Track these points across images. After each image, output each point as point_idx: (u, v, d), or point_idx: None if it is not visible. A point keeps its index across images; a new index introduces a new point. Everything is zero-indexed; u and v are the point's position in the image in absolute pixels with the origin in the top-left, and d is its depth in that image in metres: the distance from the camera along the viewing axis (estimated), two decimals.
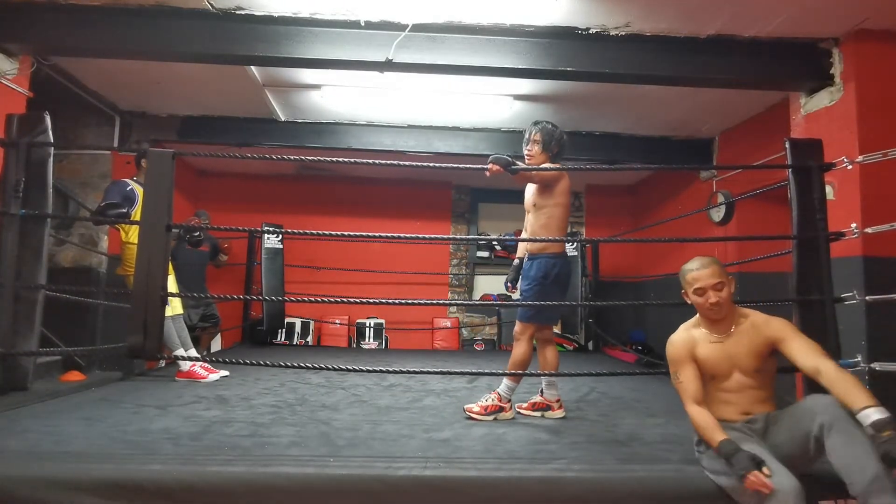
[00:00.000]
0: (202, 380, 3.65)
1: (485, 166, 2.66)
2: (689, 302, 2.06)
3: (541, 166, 2.77)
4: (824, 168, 2.74)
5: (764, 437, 1.86)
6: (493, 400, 2.76)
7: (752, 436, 1.85)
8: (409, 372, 3.17)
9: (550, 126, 2.84)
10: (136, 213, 3.48)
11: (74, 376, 3.97)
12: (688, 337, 2.02)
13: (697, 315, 2.06)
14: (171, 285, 3.69)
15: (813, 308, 2.62)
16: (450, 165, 3.07)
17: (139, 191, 3.59)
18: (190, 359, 3.66)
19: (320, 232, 3.04)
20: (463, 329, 7.02)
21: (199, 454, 2.04)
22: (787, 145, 2.76)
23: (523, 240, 2.95)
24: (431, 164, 3.04)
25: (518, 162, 2.71)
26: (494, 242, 6.87)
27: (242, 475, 1.87)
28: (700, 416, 1.87)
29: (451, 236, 7.65)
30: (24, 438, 2.18)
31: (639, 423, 2.77)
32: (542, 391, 2.90)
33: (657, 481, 1.93)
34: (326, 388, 3.52)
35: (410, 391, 3.48)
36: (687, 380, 1.94)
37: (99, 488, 1.80)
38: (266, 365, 2.57)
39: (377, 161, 2.87)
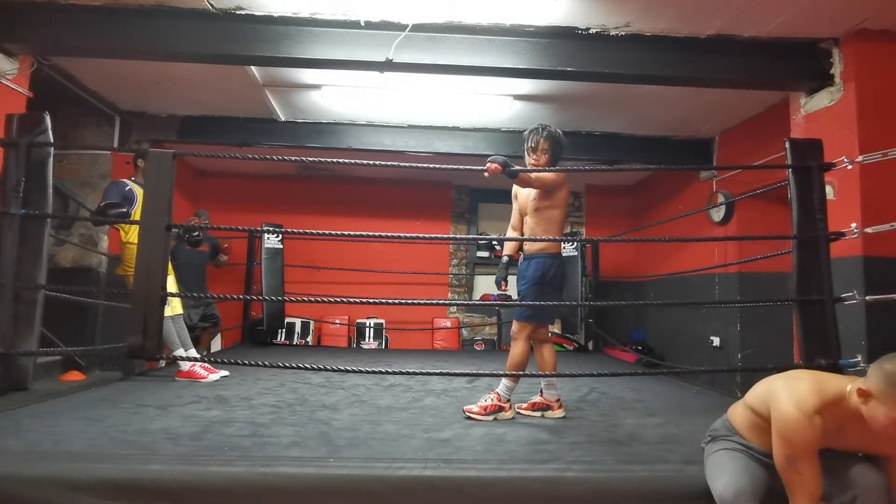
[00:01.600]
0: (202, 380, 3.65)
1: (483, 167, 2.63)
2: (876, 414, 1.52)
3: (541, 169, 2.75)
4: (824, 168, 2.73)
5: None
6: (492, 400, 2.76)
7: (765, 460, 1.74)
8: (409, 372, 3.17)
9: (555, 132, 2.79)
10: (136, 213, 3.48)
11: (74, 376, 3.97)
12: (819, 427, 1.58)
13: (837, 392, 1.60)
14: (171, 285, 3.69)
15: (813, 308, 2.62)
16: (450, 166, 3.07)
17: (138, 191, 3.59)
18: (190, 359, 3.66)
19: (320, 232, 3.04)
20: (463, 329, 7.02)
21: (199, 454, 2.04)
22: (787, 145, 2.75)
23: (521, 239, 2.95)
24: (431, 165, 3.04)
25: (516, 163, 2.68)
26: (494, 242, 6.87)
27: (242, 475, 1.87)
28: None
29: (451, 236, 7.65)
30: (24, 438, 2.18)
31: (639, 423, 2.77)
32: (541, 391, 2.90)
33: (657, 481, 1.93)
34: (326, 388, 3.52)
35: (410, 391, 3.48)
36: (810, 475, 1.57)
37: (99, 488, 1.80)
38: (266, 365, 2.57)
39: (377, 161, 2.87)
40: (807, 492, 1.57)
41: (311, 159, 2.99)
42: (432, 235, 7.02)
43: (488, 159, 2.57)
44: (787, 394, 1.61)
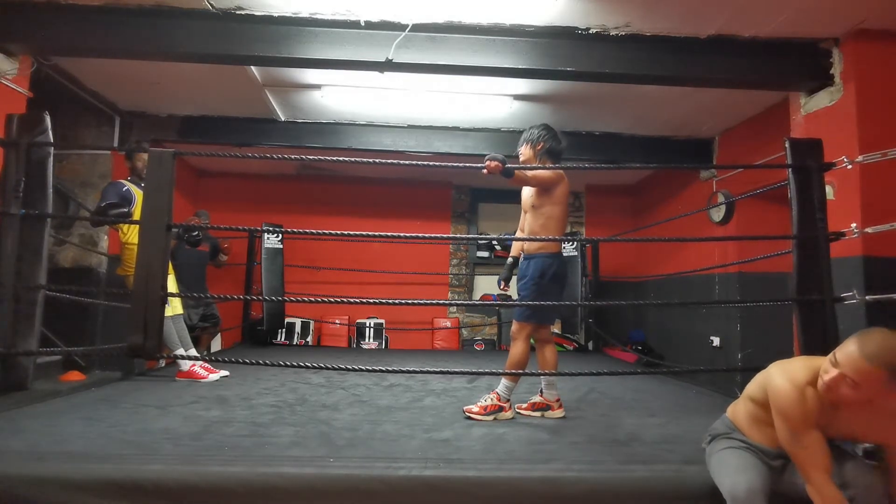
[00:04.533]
0: (202, 380, 3.65)
1: (482, 165, 2.59)
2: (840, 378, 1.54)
3: (537, 167, 2.74)
4: (824, 168, 2.74)
5: (782, 472, 1.75)
6: (492, 400, 2.76)
7: (766, 459, 1.76)
8: (409, 372, 3.16)
9: (541, 127, 2.83)
10: (134, 213, 3.48)
11: (74, 376, 3.97)
12: (813, 398, 1.61)
13: (815, 371, 1.64)
14: (171, 285, 3.68)
15: (813, 308, 2.62)
16: (450, 164, 3.07)
17: (136, 191, 3.59)
18: (190, 358, 3.66)
19: (320, 232, 3.05)
20: (463, 329, 7.03)
21: (199, 454, 2.04)
22: (786, 145, 2.75)
23: (521, 239, 2.94)
24: (431, 164, 3.05)
25: (511, 162, 2.66)
26: (494, 242, 6.87)
27: (242, 475, 1.87)
28: (833, 495, 1.56)
29: (451, 236, 7.65)
30: (24, 438, 2.18)
31: (639, 423, 2.77)
32: (541, 391, 2.90)
33: (657, 481, 1.93)
34: (326, 388, 3.52)
35: (410, 391, 3.48)
36: (816, 446, 1.59)
37: (99, 488, 1.80)
38: (266, 365, 2.57)
39: (377, 160, 2.87)
40: (817, 464, 1.58)
41: (311, 158, 2.99)
42: (432, 235, 7.02)
43: (486, 157, 2.55)
44: (780, 373, 1.68)
